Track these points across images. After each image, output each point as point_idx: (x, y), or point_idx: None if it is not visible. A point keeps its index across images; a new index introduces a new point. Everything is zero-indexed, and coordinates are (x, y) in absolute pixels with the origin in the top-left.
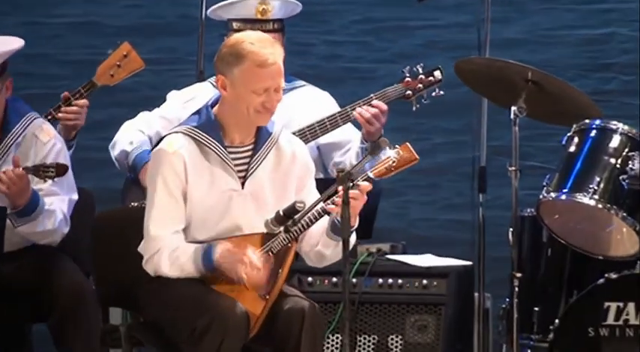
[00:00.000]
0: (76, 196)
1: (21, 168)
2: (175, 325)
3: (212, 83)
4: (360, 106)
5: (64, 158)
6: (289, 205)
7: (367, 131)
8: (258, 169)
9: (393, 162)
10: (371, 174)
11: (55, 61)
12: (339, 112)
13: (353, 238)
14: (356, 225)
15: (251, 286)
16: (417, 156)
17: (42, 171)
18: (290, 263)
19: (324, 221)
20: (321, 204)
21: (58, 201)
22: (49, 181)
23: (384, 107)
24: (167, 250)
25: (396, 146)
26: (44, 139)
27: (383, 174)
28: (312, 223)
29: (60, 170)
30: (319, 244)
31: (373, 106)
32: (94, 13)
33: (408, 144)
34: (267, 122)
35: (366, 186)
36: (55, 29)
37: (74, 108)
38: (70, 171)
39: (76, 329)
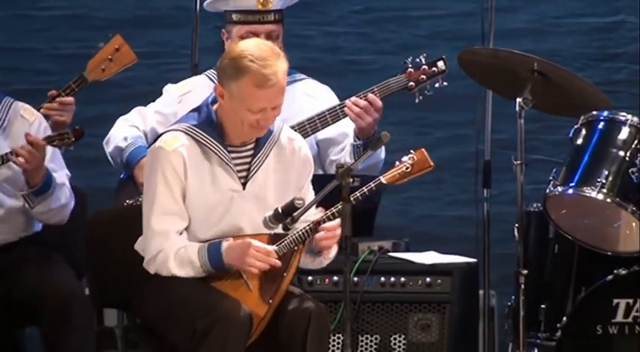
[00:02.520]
0: (68, 172)
1: (41, 139)
2: (175, 326)
3: (208, 76)
4: (360, 97)
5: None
6: (288, 202)
7: (358, 126)
8: (260, 170)
9: (407, 168)
10: (383, 180)
11: (43, 55)
12: (339, 105)
13: (334, 251)
14: (333, 253)
15: (260, 274)
16: (432, 163)
17: (65, 137)
18: (296, 267)
19: None
20: (318, 214)
21: (61, 177)
22: (46, 159)
23: (378, 102)
24: (172, 250)
25: (411, 151)
26: (30, 118)
27: (396, 180)
28: (312, 233)
29: (77, 133)
30: None
31: (366, 99)
32: (84, 5)
33: (423, 150)
34: (261, 135)
35: (334, 225)
36: (44, 22)
37: (54, 105)
38: (57, 150)
39: (66, 333)
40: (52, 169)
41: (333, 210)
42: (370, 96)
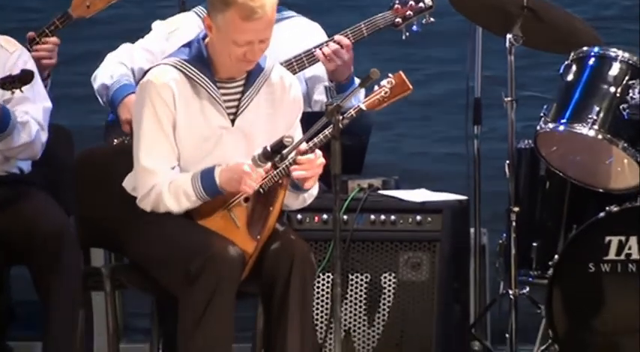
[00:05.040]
0: (49, 104)
1: None
2: (166, 266)
3: (197, 13)
4: (347, 35)
5: (32, 68)
6: (277, 140)
7: (329, 69)
8: (250, 106)
9: (386, 92)
10: (363, 106)
11: None
12: (326, 41)
13: (315, 190)
14: (314, 188)
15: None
16: (411, 86)
17: (8, 82)
18: (281, 200)
19: None
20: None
21: (32, 110)
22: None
23: (346, 42)
24: (165, 184)
25: (389, 75)
26: (11, 49)
27: (375, 106)
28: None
29: (27, 77)
30: None
31: (335, 42)
32: None
33: (401, 73)
34: (249, 68)
35: (310, 157)
36: None
37: (46, 46)
38: (39, 80)
39: (55, 272)
40: (26, 100)
41: (311, 145)
42: (337, 37)
